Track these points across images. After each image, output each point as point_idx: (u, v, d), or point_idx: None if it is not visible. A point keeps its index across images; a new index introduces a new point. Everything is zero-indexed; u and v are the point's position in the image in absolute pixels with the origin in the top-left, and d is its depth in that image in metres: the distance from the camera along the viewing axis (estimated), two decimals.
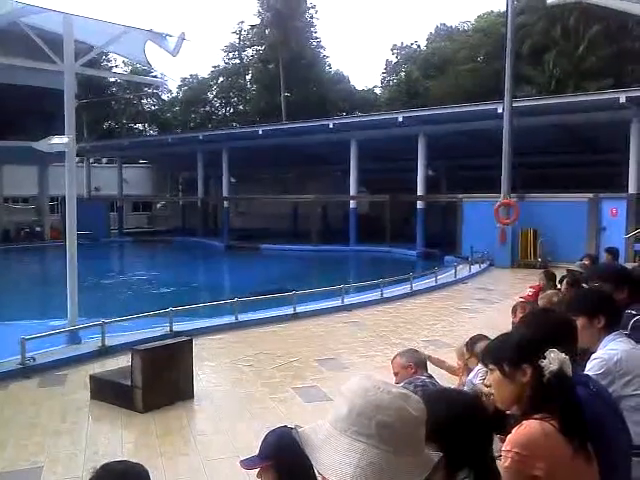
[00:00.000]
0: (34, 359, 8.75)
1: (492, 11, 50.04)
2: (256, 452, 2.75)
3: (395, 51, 59.49)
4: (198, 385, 7.71)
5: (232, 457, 5.59)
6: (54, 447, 6.18)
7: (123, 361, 8.61)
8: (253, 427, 6.37)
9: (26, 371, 8.53)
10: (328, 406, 6.41)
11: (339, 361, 9.04)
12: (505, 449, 2.11)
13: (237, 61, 57.69)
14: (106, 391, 7.42)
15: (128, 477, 2.36)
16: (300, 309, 12.29)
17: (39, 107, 29.62)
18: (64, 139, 10.06)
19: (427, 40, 58.18)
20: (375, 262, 23.57)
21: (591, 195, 20.83)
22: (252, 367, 8.83)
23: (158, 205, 44.75)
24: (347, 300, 13.31)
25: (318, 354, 9.40)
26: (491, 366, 2.33)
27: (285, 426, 2.87)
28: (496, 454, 2.18)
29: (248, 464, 2.74)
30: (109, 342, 9.68)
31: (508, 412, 2.36)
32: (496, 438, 2.48)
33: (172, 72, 66.48)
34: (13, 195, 37.50)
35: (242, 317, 11.61)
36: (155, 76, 44.51)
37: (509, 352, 2.26)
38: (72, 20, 9.77)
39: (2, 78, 27.78)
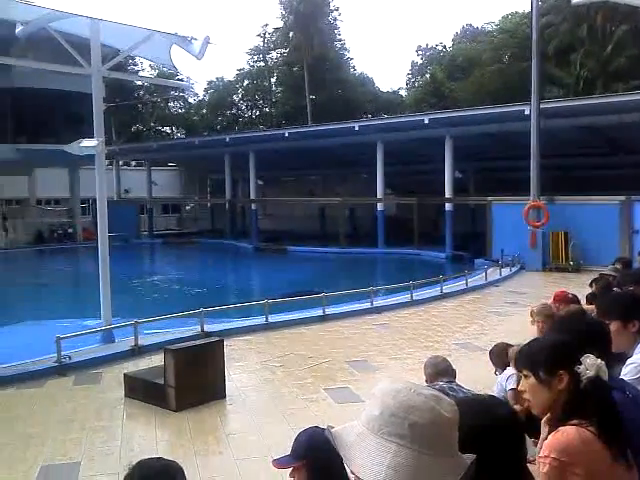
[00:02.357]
0: (70, 357, 8.95)
1: (517, 12, 49.65)
2: (288, 452, 2.81)
3: (420, 52, 59.40)
4: (230, 385, 7.79)
5: (264, 457, 5.65)
6: (91, 444, 6.31)
7: (156, 360, 8.74)
8: (285, 427, 6.43)
9: (62, 369, 8.72)
10: (359, 407, 6.42)
11: (370, 363, 9.05)
12: (543, 455, 2.09)
13: (262, 64, 58.05)
14: (140, 390, 7.55)
15: (165, 474, 2.38)
16: (330, 311, 12.33)
17: (68, 110, 30.19)
18: (94, 142, 10.26)
19: (452, 41, 57.96)
20: (404, 264, 23.51)
21: (623, 197, 20.53)
22: (283, 368, 8.90)
23: (187, 207, 45.16)
24: (376, 302, 13.32)
25: (348, 356, 9.44)
26: (525, 372, 2.30)
27: (317, 426, 2.91)
28: (530, 458, 2.20)
29: (281, 463, 2.79)
30: (142, 342, 9.84)
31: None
32: (530, 442, 2.50)
33: (198, 75, 67.28)
34: (46, 197, 38.20)
35: (272, 318, 11.69)
36: (181, 79, 45.10)
37: (544, 358, 2.23)
38: (99, 25, 9.96)
39: (33, 82, 28.43)
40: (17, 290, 19.35)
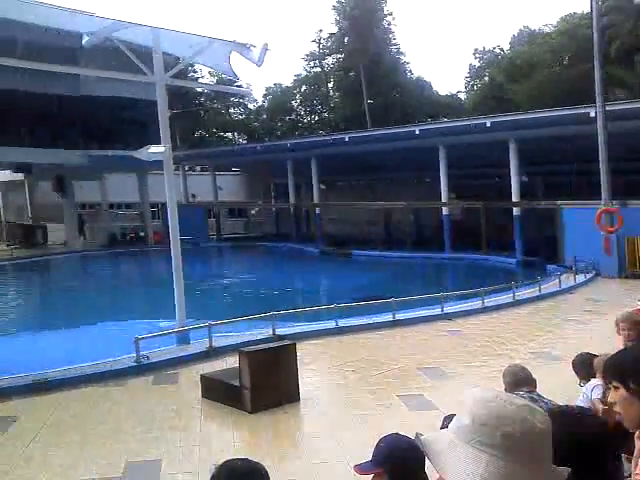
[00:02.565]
0: (148, 357, 9.21)
1: (575, 12, 48.19)
2: (366, 458, 2.80)
3: (478, 55, 58.69)
4: (303, 389, 7.83)
5: (341, 462, 5.66)
6: (171, 442, 6.47)
7: (230, 362, 8.90)
8: (360, 433, 6.41)
9: (140, 369, 8.98)
10: (434, 415, 6.37)
11: (442, 370, 8.93)
12: (637, 472, 1.99)
13: (318, 69, 58.45)
14: (216, 390, 7.68)
15: (250, 476, 2.36)
16: (400, 316, 12.23)
17: (135, 117, 31.12)
18: (161, 148, 10.54)
19: (509, 44, 56.89)
20: (472, 270, 23.09)
21: None
22: (355, 373, 8.89)
23: (252, 211, 45.76)
24: (447, 308, 13.12)
25: (420, 362, 9.34)
26: (615, 383, 2.20)
27: (397, 433, 2.88)
28: (626, 474, 2.11)
29: (363, 469, 2.78)
30: (216, 343, 10.03)
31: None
32: (623, 458, 2.40)
33: (257, 81, 68.20)
34: (117, 201, 39.44)
35: (342, 323, 11.70)
36: (240, 86, 45.84)
37: (635, 369, 2.17)
38: (160, 34, 10.21)
39: (101, 90, 29.43)
40: (96, 291, 20.06)
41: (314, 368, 9.17)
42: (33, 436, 6.54)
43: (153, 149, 10.52)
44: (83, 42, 10.20)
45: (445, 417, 2.86)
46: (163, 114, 10.57)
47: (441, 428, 2.60)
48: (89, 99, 30.07)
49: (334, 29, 55.25)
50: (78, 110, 30.61)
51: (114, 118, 31.53)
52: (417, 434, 2.55)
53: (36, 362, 9.13)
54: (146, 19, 10.02)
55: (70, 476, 5.56)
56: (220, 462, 2.38)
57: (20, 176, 35.53)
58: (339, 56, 56.65)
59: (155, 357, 9.36)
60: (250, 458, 2.59)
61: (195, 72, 52.79)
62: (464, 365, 9.24)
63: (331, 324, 11.66)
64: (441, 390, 7.89)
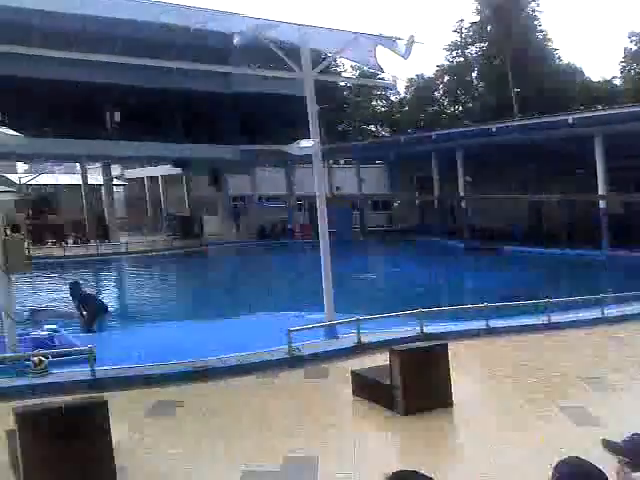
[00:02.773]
0: (299, 350, 9.40)
1: None
2: (527, 476, 2.57)
3: (634, 38, 54.32)
4: (456, 392, 7.56)
5: (500, 476, 5.42)
6: (325, 440, 6.53)
7: (379, 359, 8.80)
8: (520, 447, 6.08)
9: (292, 361, 9.19)
10: (602, 433, 5.90)
11: (607, 382, 8.24)
12: None
13: (461, 59, 56.94)
14: (367, 389, 7.65)
15: None
16: (555, 319, 11.58)
17: (282, 112, 32.06)
18: (310, 142, 10.69)
19: None
20: (636, 270, 21.34)
21: None
22: (509, 378, 8.52)
23: (395, 204, 45.59)
24: (608, 312, 12.21)
25: (581, 371, 8.73)
26: None
27: (578, 457, 2.61)
28: None
29: None
30: (364, 339, 10.04)
31: None
32: None
33: (399, 73, 67.68)
34: (266, 194, 40.94)
35: (493, 323, 11.28)
36: (382, 78, 45.67)
37: None
38: (308, 31, 10.30)
39: (249, 87, 30.63)
40: (246, 282, 20.97)
41: (466, 371, 8.88)
42: (196, 423, 6.88)
43: (303, 143, 10.74)
44: (234, 42, 10.57)
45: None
46: (312, 109, 10.74)
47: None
48: (240, 96, 31.47)
49: (476, 18, 53.80)
50: (229, 107, 32.12)
51: (263, 114, 32.72)
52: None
53: (193, 350, 9.60)
54: (291, 16, 10.15)
55: (232, 466, 5.77)
56: (390, 473, 2.28)
57: (179, 170, 37.90)
58: (482, 45, 55.15)
59: (306, 350, 9.53)
60: (400, 464, 2.48)
61: (338, 66, 53.46)
62: (630, 378, 8.50)
63: (481, 324, 11.27)
64: (607, 405, 7.31)
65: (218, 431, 6.68)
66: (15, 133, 8.42)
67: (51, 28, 18.81)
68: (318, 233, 11.21)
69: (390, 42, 10.42)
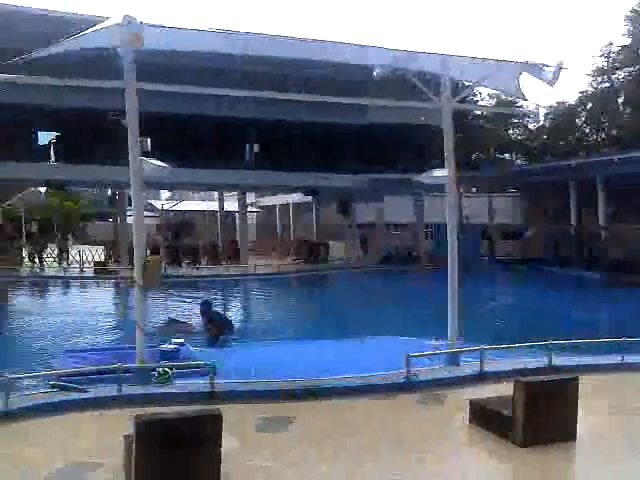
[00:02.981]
0: (417, 375, 9.20)
1: None
2: None
3: None
4: (580, 427, 7.06)
5: None
6: (436, 468, 6.31)
7: (500, 389, 8.44)
8: None
9: (409, 386, 9.00)
10: None
11: None
12: None
13: (607, 84, 53.92)
14: (485, 418, 7.33)
15: None
16: None
17: (412, 142, 32.02)
18: (444, 171, 10.50)
19: None
20: None
21: None
22: None
23: (528, 233, 43.96)
24: None
25: None
26: None
27: None
28: None
29: None
30: (487, 368, 9.67)
31: None
32: None
33: (538, 100, 65.40)
34: (393, 221, 40.89)
35: (629, 359, 10.44)
36: (521, 106, 44.32)
37: None
38: (449, 61, 10.14)
39: (381, 118, 30.91)
40: (368, 306, 20.93)
41: (593, 406, 8.25)
42: (306, 441, 6.88)
43: (436, 173, 10.63)
44: (374, 74, 10.62)
45: None
46: (448, 139, 10.57)
47: None
48: (371, 127, 31.92)
49: (627, 41, 50.96)
50: (360, 137, 32.66)
51: (393, 143, 32.92)
52: None
53: (308, 370, 9.66)
54: (430, 46, 10.09)
55: None
56: None
57: (309, 198, 38.92)
58: (631, 69, 51.99)
59: (424, 376, 9.32)
60: None
61: (475, 95, 52.67)
62: None
63: (616, 359, 10.47)
64: None
65: (327, 451, 6.64)
66: (163, 164, 8.98)
67: (202, 66, 20.05)
68: (444, 260, 10.98)
69: (537, 69, 10.09)
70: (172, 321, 14.64)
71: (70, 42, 9.03)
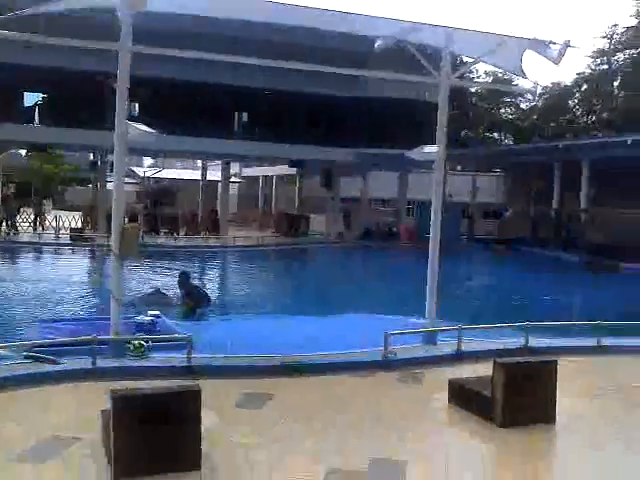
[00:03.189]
0: (395, 354, 9.16)
1: None
2: None
3: None
4: (559, 410, 7.08)
5: None
6: (414, 445, 6.30)
7: (478, 369, 8.45)
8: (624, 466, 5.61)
9: (387, 364, 8.97)
10: None
11: None
12: None
13: (605, 67, 53.76)
14: (464, 398, 7.33)
15: None
16: None
17: (403, 117, 31.75)
18: (434, 148, 10.35)
19: None
20: None
21: None
22: (621, 401, 7.90)
23: (507, 213, 44.22)
24: None
25: None
26: None
27: None
28: None
29: None
30: (464, 347, 9.68)
31: None
32: None
33: (536, 79, 65.31)
34: (375, 197, 40.77)
35: (605, 342, 10.51)
36: (516, 85, 44.25)
37: None
38: (453, 34, 9.94)
39: (376, 92, 30.65)
40: (346, 282, 20.88)
41: (572, 388, 8.28)
42: (285, 417, 6.82)
43: (427, 149, 10.45)
44: (376, 45, 10.37)
45: None
46: (442, 114, 10.37)
47: None
48: (362, 100, 31.62)
49: (633, 22, 50.25)
50: (349, 110, 32.31)
51: (382, 118, 32.61)
52: None
53: (287, 345, 9.62)
54: (434, 19, 9.81)
55: (317, 463, 5.66)
56: None
57: (293, 170, 38.58)
58: (634, 52, 51.54)
59: (402, 354, 9.29)
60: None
61: (471, 72, 52.30)
62: None
63: (592, 341, 10.55)
64: None
65: (306, 427, 6.60)
66: (149, 130, 8.71)
67: (200, 31, 19.55)
68: (423, 238, 10.89)
69: (543, 46, 9.90)
70: (157, 292, 14.37)
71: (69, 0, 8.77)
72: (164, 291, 14.69)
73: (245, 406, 7.12)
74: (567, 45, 9.49)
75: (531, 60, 10.54)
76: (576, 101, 55.89)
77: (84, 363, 7.87)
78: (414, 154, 10.50)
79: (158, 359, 8.42)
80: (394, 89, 30.32)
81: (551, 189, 34.59)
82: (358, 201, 38.04)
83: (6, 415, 6.48)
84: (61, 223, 30.84)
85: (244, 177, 50.70)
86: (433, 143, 10.40)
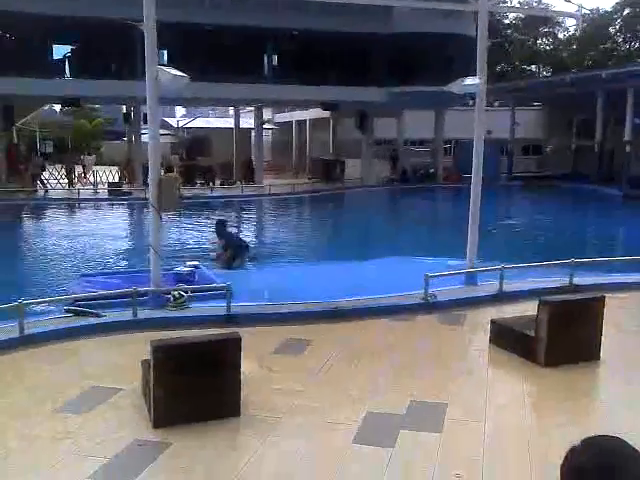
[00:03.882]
0: (435, 296, 9.05)
1: None
2: None
3: None
4: (604, 347, 6.92)
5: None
6: (457, 386, 6.26)
7: (520, 309, 8.33)
8: None
9: (427, 306, 8.88)
10: None
11: None
12: None
13: None
14: (506, 338, 7.21)
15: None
16: None
17: (439, 53, 30.62)
18: (476, 80, 9.95)
19: None
20: None
21: None
22: None
23: (547, 149, 42.96)
24: None
25: None
26: None
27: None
28: None
29: None
30: (506, 287, 9.50)
31: None
32: None
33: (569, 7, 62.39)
34: (412, 138, 39.94)
35: None
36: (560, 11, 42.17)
37: None
38: None
39: (407, 27, 29.59)
40: (385, 226, 20.74)
41: (617, 324, 8.09)
42: (324, 362, 6.81)
43: (468, 81, 10.04)
44: None
45: None
46: (482, 44, 9.98)
47: None
48: (394, 37, 30.58)
49: None
50: (382, 48, 31.30)
51: (414, 55, 31.53)
52: None
53: (326, 291, 9.55)
54: None
55: (357, 406, 5.65)
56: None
57: (326, 113, 37.85)
58: None
59: (442, 296, 9.17)
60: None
61: (505, 2, 50.10)
62: None
63: (638, 277, 10.25)
64: None
65: (345, 372, 6.58)
66: (181, 73, 8.53)
67: None
68: (464, 177, 10.61)
69: None
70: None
71: None
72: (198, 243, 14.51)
73: (285, 352, 7.13)
74: None
75: None
76: (617, 28, 53.20)
77: (125, 315, 7.97)
78: (454, 87, 10.07)
79: (198, 309, 8.48)
80: (425, 23, 29.21)
81: (593, 122, 33.41)
82: (391, 143, 37.37)
83: (50, 367, 6.62)
84: (99, 178, 31.12)
85: (277, 123, 50.17)
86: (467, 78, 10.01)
